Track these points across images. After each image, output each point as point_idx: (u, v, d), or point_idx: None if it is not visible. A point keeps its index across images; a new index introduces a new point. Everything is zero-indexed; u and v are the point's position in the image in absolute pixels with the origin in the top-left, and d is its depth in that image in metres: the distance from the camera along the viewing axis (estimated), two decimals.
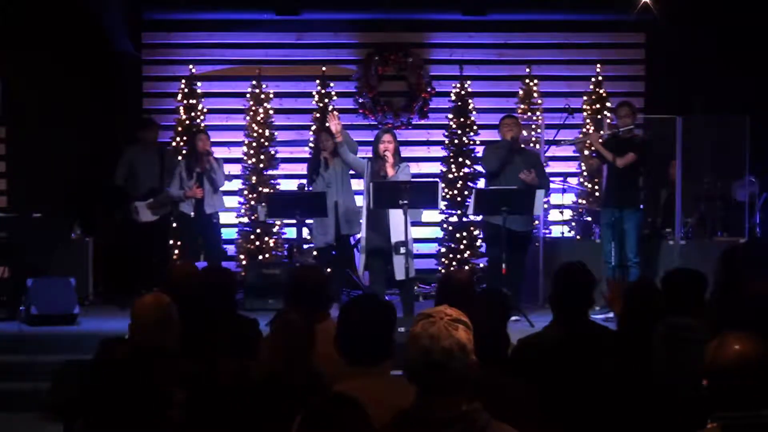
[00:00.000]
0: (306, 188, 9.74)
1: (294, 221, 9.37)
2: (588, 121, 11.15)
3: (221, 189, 9.64)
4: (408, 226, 8.16)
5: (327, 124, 8.69)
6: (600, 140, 9.24)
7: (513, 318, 8.49)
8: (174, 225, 10.09)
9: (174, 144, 10.92)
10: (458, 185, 11.00)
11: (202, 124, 10.95)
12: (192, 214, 9.46)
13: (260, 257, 10.70)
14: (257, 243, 10.83)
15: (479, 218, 9.67)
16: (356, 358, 3.15)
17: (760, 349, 2.98)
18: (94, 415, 3.47)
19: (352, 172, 9.06)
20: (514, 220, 8.56)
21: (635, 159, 8.93)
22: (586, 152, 10.68)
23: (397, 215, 8.13)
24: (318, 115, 11.05)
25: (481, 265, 10.74)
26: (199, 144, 9.43)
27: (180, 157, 10.14)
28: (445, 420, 2.62)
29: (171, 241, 10.37)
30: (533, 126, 11.11)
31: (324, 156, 9.30)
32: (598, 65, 11.37)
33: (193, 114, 11.06)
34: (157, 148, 10.09)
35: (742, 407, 2.92)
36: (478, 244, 10.88)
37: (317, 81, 11.24)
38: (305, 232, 9.80)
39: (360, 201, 8.82)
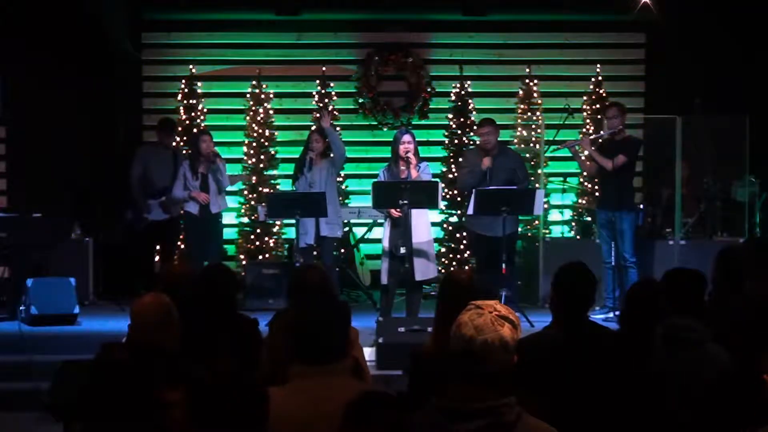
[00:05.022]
0: (292, 186, 9.64)
1: (294, 221, 9.35)
2: (588, 121, 11.14)
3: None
4: (429, 228, 8.20)
5: (320, 122, 8.68)
6: (593, 144, 9.22)
7: None
8: (183, 224, 10.10)
9: (174, 144, 10.91)
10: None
11: (203, 125, 10.95)
12: (198, 213, 9.42)
13: (260, 257, 10.70)
14: (257, 243, 10.83)
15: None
16: (314, 357, 3.19)
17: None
18: (93, 416, 3.47)
19: (339, 178, 9.03)
20: (496, 227, 8.54)
21: (626, 160, 8.92)
22: (583, 156, 10.67)
23: (419, 217, 8.15)
24: (318, 115, 11.04)
25: None
26: (203, 146, 9.33)
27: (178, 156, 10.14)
28: (474, 411, 2.59)
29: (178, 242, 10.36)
30: (533, 126, 11.11)
31: (310, 156, 9.16)
32: (598, 65, 11.37)
33: (193, 114, 11.07)
34: (171, 148, 10.08)
35: None
36: None
37: (317, 81, 11.24)
38: None
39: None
